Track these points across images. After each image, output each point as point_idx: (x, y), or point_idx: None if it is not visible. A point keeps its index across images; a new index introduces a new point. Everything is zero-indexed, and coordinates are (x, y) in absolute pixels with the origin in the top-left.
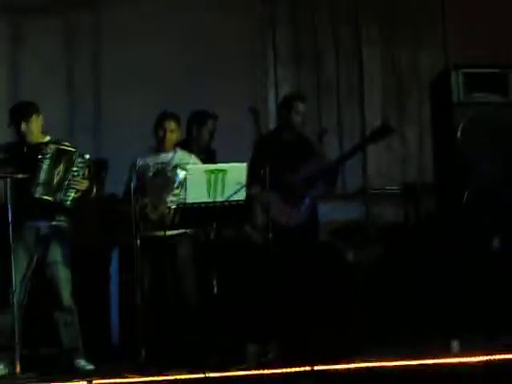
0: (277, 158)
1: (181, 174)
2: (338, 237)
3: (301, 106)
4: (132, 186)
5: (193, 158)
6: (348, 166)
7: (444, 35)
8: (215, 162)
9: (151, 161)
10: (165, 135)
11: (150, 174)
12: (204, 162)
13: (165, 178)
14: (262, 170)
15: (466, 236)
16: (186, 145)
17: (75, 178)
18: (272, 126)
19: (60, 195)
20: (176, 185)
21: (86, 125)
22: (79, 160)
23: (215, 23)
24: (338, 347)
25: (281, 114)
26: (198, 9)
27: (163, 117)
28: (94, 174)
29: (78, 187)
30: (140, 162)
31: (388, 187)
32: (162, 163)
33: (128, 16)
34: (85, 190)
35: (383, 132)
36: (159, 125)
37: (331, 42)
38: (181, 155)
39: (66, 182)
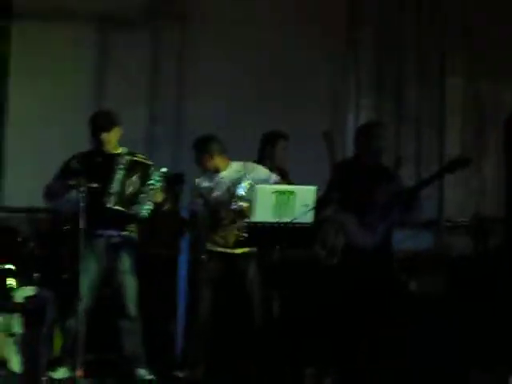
0: (354, 182)
1: (240, 189)
2: (406, 266)
3: (380, 132)
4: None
5: (249, 165)
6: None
7: None
8: (288, 182)
9: (212, 181)
10: (208, 163)
11: (216, 193)
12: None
13: (230, 195)
14: (338, 193)
15: None
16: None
17: (151, 192)
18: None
19: (135, 208)
20: (236, 199)
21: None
22: (156, 173)
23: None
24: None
25: (359, 140)
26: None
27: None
28: (169, 188)
29: (153, 200)
30: (199, 183)
31: (461, 219)
32: (223, 181)
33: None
34: (159, 203)
35: (461, 163)
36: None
37: (414, 70)
38: (236, 167)
39: (142, 195)
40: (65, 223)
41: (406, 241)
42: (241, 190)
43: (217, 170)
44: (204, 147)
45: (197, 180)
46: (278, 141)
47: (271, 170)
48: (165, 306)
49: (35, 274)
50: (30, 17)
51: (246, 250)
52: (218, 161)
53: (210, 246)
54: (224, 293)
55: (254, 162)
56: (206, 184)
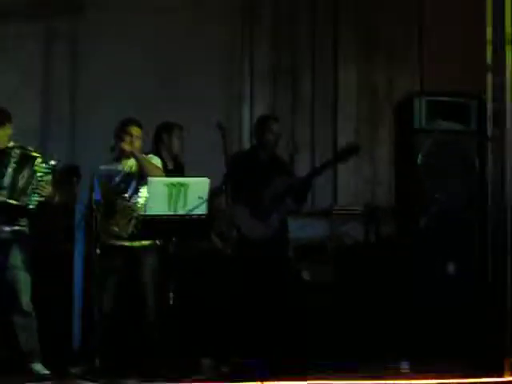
0: (248, 174)
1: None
2: (300, 255)
3: (274, 126)
4: (94, 195)
5: (155, 159)
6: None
7: (418, 60)
8: (183, 175)
9: (113, 169)
10: (131, 141)
11: (115, 182)
12: (172, 172)
13: (126, 186)
14: (229, 185)
15: (417, 260)
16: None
17: (40, 184)
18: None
19: (24, 200)
20: (130, 192)
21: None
22: (44, 165)
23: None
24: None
25: (255, 133)
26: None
27: (128, 123)
28: (58, 180)
29: (41, 192)
30: (102, 171)
31: (355, 207)
32: (124, 169)
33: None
34: (48, 196)
35: (350, 150)
36: (124, 130)
37: (308, 58)
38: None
39: (31, 187)
40: None
41: (301, 229)
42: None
43: (123, 158)
44: (138, 123)
45: (101, 169)
46: (173, 130)
47: (168, 159)
48: (61, 300)
49: None
50: None
51: (142, 242)
52: (137, 148)
53: (105, 239)
54: (121, 285)
55: (149, 153)
56: (108, 172)
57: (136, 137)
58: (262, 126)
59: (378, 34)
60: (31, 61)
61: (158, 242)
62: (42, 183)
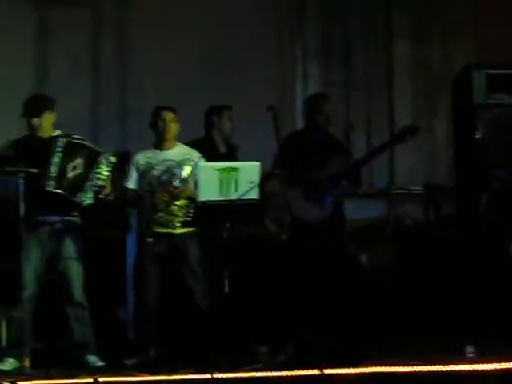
0: (301, 156)
1: (184, 170)
2: (357, 237)
3: (324, 105)
4: (131, 185)
5: (196, 153)
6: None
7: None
8: (236, 158)
9: (154, 158)
10: (165, 127)
11: (156, 172)
12: (224, 155)
13: (172, 176)
14: (283, 169)
15: (479, 240)
16: (205, 140)
17: (99, 182)
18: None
19: (80, 195)
20: (179, 182)
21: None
22: (104, 162)
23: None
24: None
25: (306, 113)
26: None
27: (161, 109)
28: (115, 176)
29: (99, 190)
30: (140, 159)
31: (413, 187)
32: (166, 160)
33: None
34: (107, 193)
35: (410, 132)
36: (158, 117)
37: (360, 35)
38: (182, 149)
39: (88, 183)
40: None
41: (358, 211)
42: (183, 172)
43: (163, 145)
44: (174, 112)
45: (136, 157)
46: (223, 111)
47: (219, 143)
48: (115, 290)
49: None
50: None
51: (187, 229)
52: (175, 132)
53: (154, 228)
54: (169, 274)
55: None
56: (147, 161)
57: (170, 122)
58: (311, 105)
59: (434, 7)
60: (80, 47)
61: (209, 228)
62: (99, 181)
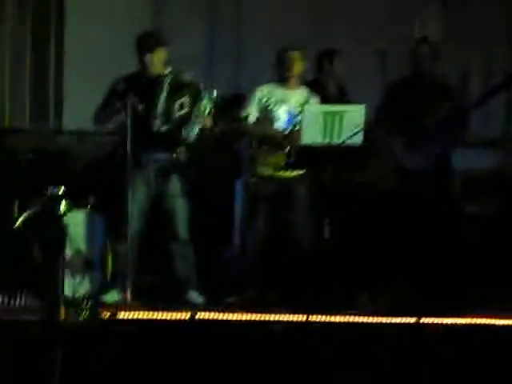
0: (407, 102)
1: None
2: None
3: (427, 48)
4: (252, 117)
5: (316, 99)
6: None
7: None
8: (348, 101)
9: (276, 95)
10: (290, 66)
11: (276, 109)
12: (336, 99)
13: (289, 117)
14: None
15: None
16: (317, 82)
17: (200, 114)
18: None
19: (186, 130)
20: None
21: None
22: (206, 96)
23: None
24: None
25: (410, 58)
26: None
27: (287, 49)
28: (224, 110)
29: (203, 123)
30: (263, 92)
31: None
32: (286, 100)
33: None
34: (210, 127)
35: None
36: (284, 56)
37: None
38: (304, 93)
39: (193, 118)
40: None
41: (468, 161)
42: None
43: (287, 84)
44: (299, 47)
45: (259, 91)
46: (335, 56)
47: (330, 86)
48: (221, 229)
49: (90, 198)
50: None
51: (294, 173)
52: (301, 72)
53: (260, 169)
54: (275, 215)
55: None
56: (269, 97)
57: (296, 60)
58: (414, 49)
59: None
60: None
61: (313, 171)
62: (203, 114)
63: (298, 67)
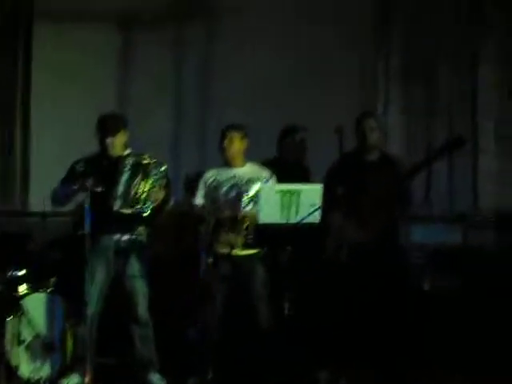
0: (349, 177)
1: (252, 189)
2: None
3: (372, 123)
4: (199, 201)
5: (265, 172)
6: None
7: None
8: (309, 180)
9: (223, 175)
10: (229, 146)
11: (224, 189)
12: (297, 177)
13: (239, 195)
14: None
15: None
16: (277, 160)
17: (153, 189)
18: None
19: (139, 207)
20: (247, 201)
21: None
22: (155, 171)
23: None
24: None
25: (356, 132)
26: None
27: (226, 128)
28: (170, 185)
29: (154, 198)
30: (210, 176)
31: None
32: (234, 177)
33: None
34: (162, 201)
35: (455, 145)
36: (223, 136)
37: (445, 58)
38: (252, 168)
39: (145, 194)
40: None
41: (434, 236)
42: (251, 191)
43: (232, 163)
44: (239, 130)
45: (206, 174)
46: (296, 132)
47: (291, 165)
48: (180, 310)
49: (51, 279)
50: (51, 17)
51: (252, 251)
52: (240, 150)
53: (217, 248)
54: (233, 295)
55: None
56: (215, 178)
57: (234, 140)
58: (359, 123)
59: None
60: (161, 68)
61: (270, 250)
62: (154, 189)
63: (237, 146)
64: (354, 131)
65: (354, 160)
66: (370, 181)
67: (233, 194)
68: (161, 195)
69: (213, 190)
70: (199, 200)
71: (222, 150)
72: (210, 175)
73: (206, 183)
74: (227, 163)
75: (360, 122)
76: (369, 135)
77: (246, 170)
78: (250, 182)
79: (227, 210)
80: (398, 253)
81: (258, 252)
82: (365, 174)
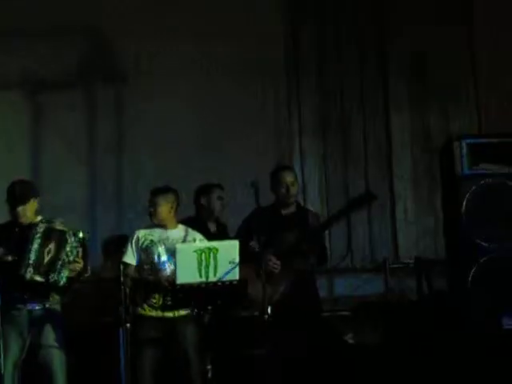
0: (267, 231)
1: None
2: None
3: (288, 177)
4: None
5: (198, 235)
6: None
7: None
8: (227, 236)
9: (155, 235)
10: (158, 211)
11: (158, 250)
12: (214, 234)
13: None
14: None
15: (473, 313)
16: (196, 219)
17: (69, 258)
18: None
19: (53, 276)
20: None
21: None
22: (72, 239)
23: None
24: None
25: (271, 185)
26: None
27: (155, 193)
28: (87, 253)
29: (71, 267)
30: (142, 235)
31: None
32: (168, 238)
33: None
34: (79, 270)
35: (365, 199)
36: (150, 201)
37: (358, 108)
38: (184, 231)
39: (60, 262)
40: None
41: (360, 287)
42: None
43: (165, 225)
44: (166, 196)
45: (137, 233)
46: (212, 191)
47: (208, 222)
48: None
49: None
50: None
51: (182, 312)
52: (170, 214)
53: (142, 310)
54: (163, 357)
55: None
56: (148, 238)
57: (160, 205)
58: (276, 177)
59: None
60: (76, 132)
61: (193, 311)
62: (70, 257)
63: (165, 210)
64: (270, 185)
65: (270, 213)
66: (286, 234)
67: (164, 255)
68: (78, 266)
69: (147, 250)
70: (129, 259)
71: (151, 215)
72: (142, 234)
73: (136, 242)
74: (158, 225)
75: (277, 175)
76: (289, 188)
77: (179, 232)
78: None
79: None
80: (316, 306)
81: (190, 312)
82: (281, 227)
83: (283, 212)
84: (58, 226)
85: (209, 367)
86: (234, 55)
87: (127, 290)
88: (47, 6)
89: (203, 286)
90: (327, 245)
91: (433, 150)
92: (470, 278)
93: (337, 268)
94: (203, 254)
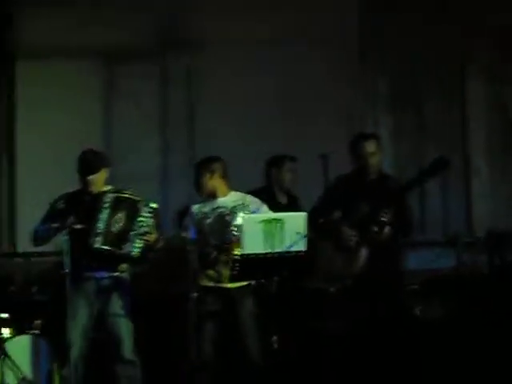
0: (348, 199)
1: (237, 217)
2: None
3: (368, 147)
4: (190, 234)
5: (248, 198)
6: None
7: None
8: (299, 208)
9: (207, 207)
10: (201, 180)
11: (209, 220)
12: (285, 206)
13: (224, 224)
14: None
15: None
16: (266, 189)
17: (141, 229)
18: None
19: (127, 247)
20: (235, 229)
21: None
22: (145, 209)
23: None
24: None
25: (351, 155)
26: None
27: (198, 166)
28: (160, 223)
29: (145, 238)
30: (196, 209)
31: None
32: (218, 207)
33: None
34: (152, 241)
35: (441, 165)
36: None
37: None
38: (236, 196)
39: (132, 233)
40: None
41: (433, 261)
42: (236, 220)
43: (214, 195)
44: (206, 165)
45: (193, 207)
46: (284, 163)
47: (279, 194)
48: (168, 348)
49: (36, 321)
50: (34, 53)
51: (241, 283)
52: (217, 183)
53: (203, 282)
54: (223, 329)
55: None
56: (201, 210)
57: (206, 175)
58: (353, 146)
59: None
60: (149, 101)
61: (257, 281)
62: (143, 228)
63: (209, 182)
64: (350, 153)
65: (350, 182)
66: (362, 204)
67: (218, 225)
68: (153, 237)
69: (200, 223)
70: (188, 234)
71: (197, 187)
72: (196, 208)
73: (192, 217)
74: (208, 195)
75: (357, 144)
76: (370, 157)
77: (230, 198)
78: (234, 210)
79: (213, 241)
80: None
81: (248, 284)
82: (359, 197)
83: (364, 180)
84: (129, 196)
85: (274, 338)
86: (308, 28)
87: (192, 262)
88: None
89: (269, 256)
90: None
91: (509, 122)
92: None
93: (409, 241)
94: (269, 225)
